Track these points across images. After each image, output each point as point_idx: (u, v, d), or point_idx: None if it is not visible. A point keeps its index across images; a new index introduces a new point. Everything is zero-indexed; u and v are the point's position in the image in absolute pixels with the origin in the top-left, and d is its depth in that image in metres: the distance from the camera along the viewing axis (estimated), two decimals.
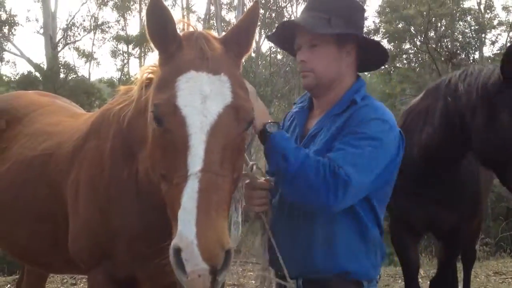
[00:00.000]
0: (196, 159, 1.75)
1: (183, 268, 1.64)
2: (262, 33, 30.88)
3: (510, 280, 7.27)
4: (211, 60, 1.91)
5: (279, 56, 31.63)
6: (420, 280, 7.26)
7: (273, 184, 2.27)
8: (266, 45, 29.16)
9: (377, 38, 30.07)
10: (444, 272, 4.47)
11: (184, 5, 33.10)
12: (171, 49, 1.97)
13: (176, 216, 1.70)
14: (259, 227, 2.36)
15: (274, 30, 2.47)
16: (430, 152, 3.73)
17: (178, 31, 2.07)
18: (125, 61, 32.80)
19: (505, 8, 29.62)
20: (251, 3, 2.10)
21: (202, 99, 1.82)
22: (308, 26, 2.23)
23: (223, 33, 2.17)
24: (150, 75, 2.40)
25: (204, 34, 2.05)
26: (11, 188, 3.03)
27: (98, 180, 2.53)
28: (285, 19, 29.27)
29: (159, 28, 1.96)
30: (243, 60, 2.14)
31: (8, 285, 6.56)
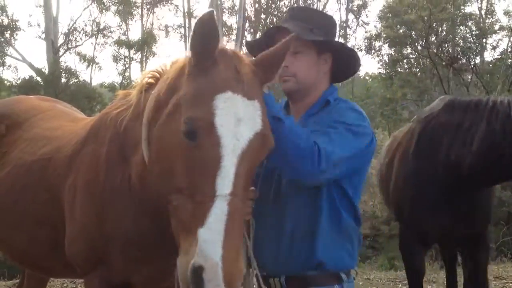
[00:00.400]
0: (226, 182, 1.77)
1: (199, 286, 1.67)
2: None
3: (510, 284, 7.26)
4: (246, 84, 1.93)
5: None
6: None
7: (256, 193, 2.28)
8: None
9: (378, 43, 30.14)
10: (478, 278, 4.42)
11: (186, 10, 33.18)
12: (207, 63, 1.96)
13: (192, 232, 1.73)
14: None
15: (258, 38, 2.57)
16: (460, 173, 3.65)
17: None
18: (127, 65, 32.88)
19: (506, 13, 29.61)
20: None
21: (236, 122, 1.84)
22: (297, 32, 2.29)
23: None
24: (150, 80, 2.42)
25: (237, 54, 2.05)
26: (10, 193, 3.04)
27: (94, 184, 2.54)
28: None
29: (204, 42, 1.95)
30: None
31: None
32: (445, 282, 7.38)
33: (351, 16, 34.44)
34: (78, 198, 2.60)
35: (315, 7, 32.31)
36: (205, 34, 1.93)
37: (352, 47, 3.00)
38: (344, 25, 34.40)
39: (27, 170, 3.00)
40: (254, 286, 2.32)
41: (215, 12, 1.92)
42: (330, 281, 2.30)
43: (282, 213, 2.36)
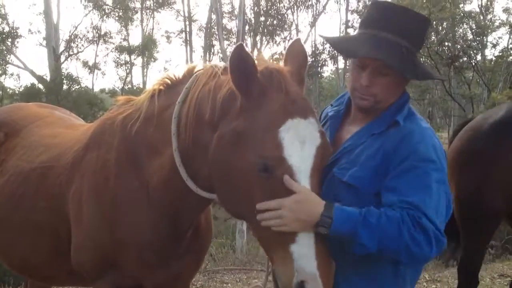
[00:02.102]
0: None
1: None
2: (264, 40, 30.99)
3: None
4: (298, 103, 2.02)
5: (281, 63, 31.75)
6: (425, 284, 7.27)
7: None
8: (268, 52, 29.23)
9: None
10: None
11: (186, 14, 33.26)
12: (254, 94, 2.01)
13: (283, 247, 1.92)
14: None
15: (340, 38, 2.38)
16: None
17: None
18: (128, 70, 32.97)
19: (506, 10, 29.62)
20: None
21: (302, 145, 1.96)
22: (398, 67, 2.04)
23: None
24: (161, 87, 2.45)
25: (281, 72, 2.07)
26: (9, 201, 3.02)
27: (103, 189, 2.52)
28: (286, 26, 29.41)
29: (242, 76, 1.99)
30: None
31: None
32: (449, 281, 7.38)
33: (352, 17, 34.45)
34: (85, 205, 2.58)
35: (314, 8, 32.38)
36: (239, 70, 1.97)
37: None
38: (344, 25, 34.45)
39: (26, 178, 2.99)
40: None
41: (244, 44, 2.05)
42: None
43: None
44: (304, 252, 1.89)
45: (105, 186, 2.51)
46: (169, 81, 2.45)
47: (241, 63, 1.96)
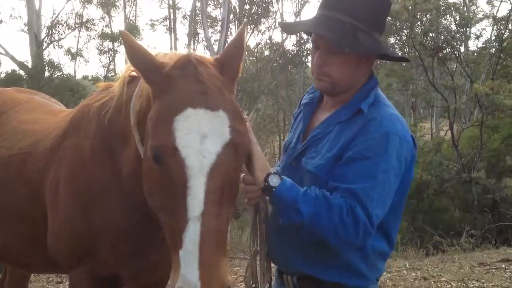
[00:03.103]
0: (196, 202, 1.76)
1: None
2: (248, 29, 30.85)
3: (494, 270, 7.35)
4: (209, 94, 1.87)
5: (266, 52, 31.63)
6: (405, 272, 7.36)
7: None
8: (253, 41, 29.13)
9: None
10: None
11: (170, 2, 32.94)
12: (160, 82, 1.92)
13: (176, 248, 1.77)
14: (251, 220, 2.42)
15: (292, 22, 2.34)
16: None
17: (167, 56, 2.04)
18: (111, 58, 32.61)
19: (489, 2, 29.84)
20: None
21: (201, 139, 1.80)
22: (335, 41, 2.05)
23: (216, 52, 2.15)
24: (133, 73, 2.37)
25: (198, 60, 1.97)
26: None
27: (79, 178, 2.50)
28: (271, 14, 29.30)
29: (141, 64, 1.94)
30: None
31: None
32: (428, 269, 7.48)
33: None
34: (61, 193, 2.56)
35: None
36: (135, 59, 1.93)
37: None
38: None
39: (5, 165, 2.95)
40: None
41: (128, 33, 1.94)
42: None
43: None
44: (188, 259, 1.73)
45: (81, 174, 2.49)
46: None
47: (131, 51, 1.92)
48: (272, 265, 2.42)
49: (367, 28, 2.10)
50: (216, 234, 1.76)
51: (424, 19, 24.81)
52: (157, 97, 1.92)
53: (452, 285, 6.49)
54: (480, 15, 29.75)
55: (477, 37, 29.47)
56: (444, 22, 26.58)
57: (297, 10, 32.89)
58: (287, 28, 2.64)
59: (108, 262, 2.49)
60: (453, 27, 26.33)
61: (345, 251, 2.12)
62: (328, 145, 2.13)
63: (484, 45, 27.85)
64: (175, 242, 1.78)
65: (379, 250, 2.21)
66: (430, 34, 24.28)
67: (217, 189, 1.79)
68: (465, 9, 28.70)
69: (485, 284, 6.45)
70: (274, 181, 2.03)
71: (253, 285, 2.33)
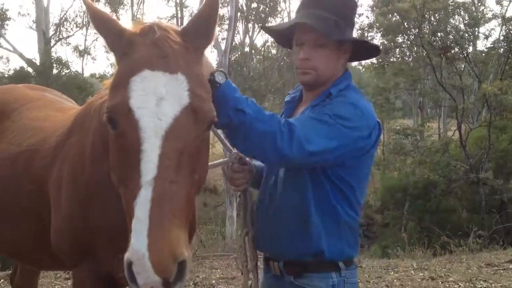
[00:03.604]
0: (149, 166, 1.67)
1: (136, 281, 1.61)
2: (256, 27, 30.83)
3: (501, 271, 7.32)
4: (168, 58, 1.82)
5: (273, 51, 31.62)
6: (412, 272, 7.35)
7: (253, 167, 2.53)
8: (260, 39, 29.10)
9: (371, 33, 30.10)
10: None
11: (178, 1, 32.96)
12: (122, 47, 1.89)
13: (130, 219, 1.65)
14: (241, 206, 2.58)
15: (275, 24, 2.49)
16: None
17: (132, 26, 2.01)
18: None
19: (498, 2, 29.66)
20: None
21: (157, 101, 1.73)
22: (323, 30, 2.24)
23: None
24: None
25: (163, 28, 1.94)
26: None
27: (80, 175, 2.49)
28: (278, 12, 29.29)
29: (104, 29, 1.92)
30: (207, 51, 2.07)
31: (1, 280, 6.56)
32: (436, 270, 7.46)
33: None
34: (64, 190, 2.56)
35: None
36: (98, 24, 1.91)
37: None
38: None
39: (14, 161, 2.96)
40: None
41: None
42: (327, 268, 2.31)
43: (279, 203, 2.40)
44: (137, 228, 1.60)
45: (81, 171, 2.49)
46: None
47: (95, 17, 1.93)
48: (260, 254, 2.57)
49: (344, 23, 2.33)
50: (170, 201, 1.64)
51: (432, 18, 24.70)
52: (118, 62, 1.90)
53: (460, 286, 6.46)
54: (489, 15, 29.57)
55: (486, 37, 29.30)
56: (453, 21, 26.45)
57: None
58: (271, 31, 2.70)
59: (107, 260, 2.46)
60: (462, 27, 26.19)
61: (282, 164, 2.29)
62: None
63: (492, 45, 27.68)
64: (129, 214, 1.68)
65: (343, 214, 2.32)
66: (439, 34, 24.18)
67: (173, 153, 1.70)
68: (474, 8, 28.53)
69: (493, 285, 6.42)
70: (219, 78, 2.07)
71: (246, 264, 2.50)
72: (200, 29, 1.98)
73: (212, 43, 2.04)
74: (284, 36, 2.51)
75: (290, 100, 2.59)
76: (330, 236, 2.31)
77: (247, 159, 2.51)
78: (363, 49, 2.50)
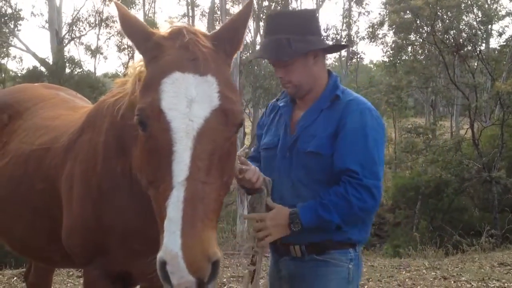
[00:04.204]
0: (181, 167, 1.69)
1: (169, 281, 1.62)
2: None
3: None
4: (198, 60, 1.84)
5: None
6: (424, 271, 7.30)
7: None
8: None
9: (382, 31, 29.96)
10: None
11: (189, 0, 33.04)
12: (151, 50, 1.91)
13: (162, 221, 1.67)
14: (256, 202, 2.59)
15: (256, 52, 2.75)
16: None
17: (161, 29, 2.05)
18: (130, 55, 32.84)
19: None
20: None
21: (188, 103, 1.75)
22: (271, 56, 2.56)
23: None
24: (143, 69, 2.40)
25: (192, 31, 1.96)
26: (9, 183, 3.02)
27: (91, 174, 2.50)
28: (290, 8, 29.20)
29: (133, 32, 1.94)
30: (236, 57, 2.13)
31: (15, 278, 6.63)
32: (448, 269, 7.41)
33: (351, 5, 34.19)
34: (75, 189, 2.57)
35: None
36: (128, 28, 1.93)
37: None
38: (347, 13, 34.22)
39: (25, 160, 2.98)
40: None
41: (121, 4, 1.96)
42: (347, 246, 2.58)
43: (302, 193, 2.55)
44: (170, 228, 1.61)
45: (93, 170, 2.49)
46: None
47: (124, 20, 1.95)
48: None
49: (301, 35, 2.50)
50: (202, 201, 1.66)
51: (445, 16, 24.50)
52: (148, 65, 1.92)
53: (473, 285, 6.42)
54: (503, 12, 29.28)
55: (500, 35, 28.99)
56: (466, 19, 26.20)
57: (316, 7, 32.79)
58: (255, 57, 3.13)
59: (119, 259, 2.49)
60: (475, 24, 25.94)
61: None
62: (322, 127, 2.53)
63: (505, 43, 27.38)
64: (161, 215, 1.69)
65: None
66: (452, 32, 23.97)
67: (204, 155, 1.72)
68: (486, 6, 28.24)
69: (506, 284, 6.38)
70: (294, 219, 2.41)
71: (253, 247, 2.59)
72: (230, 36, 2.02)
73: (240, 50, 2.10)
74: None
75: (285, 104, 2.76)
76: (356, 225, 2.58)
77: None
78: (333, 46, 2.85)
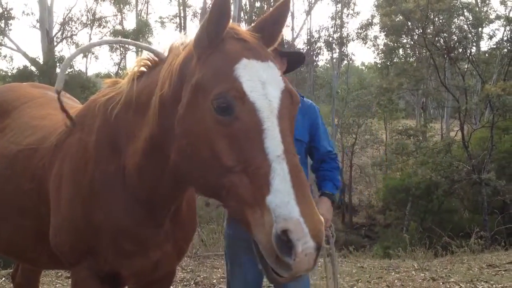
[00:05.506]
0: (276, 142, 1.77)
1: (288, 251, 1.64)
2: None
3: (503, 272, 7.30)
4: (256, 49, 1.95)
5: None
6: (413, 272, 7.33)
7: None
8: None
9: (372, 32, 30.09)
10: None
11: (180, 0, 33.01)
12: (217, 42, 1.95)
13: (259, 204, 1.69)
14: None
15: None
16: None
17: None
18: (122, 55, 32.76)
19: (502, 2, 29.59)
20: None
21: (262, 85, 1.85)
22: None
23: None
24: (143, 68, 2.37)
25: (236, 28, 2.03)
26: None
27: (81, 173, 2.48)
28: None
29: (219, 23, 1.94)
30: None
31: (3, 278, 6.58)
32: (437, 270, 7.45)
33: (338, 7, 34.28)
34: (64, 188, 2.54)
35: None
36: (221, 15, 1.93)
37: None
38: (335, 15, 34.32)
39: (13, 160, 2.95)
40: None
41: None
42: None
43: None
44: (282, 199, 1.66)
45: (84, 169, 2.48)
46: (149, 62, 2.38)
47: (222, 8, 1.93)
48: None
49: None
50: (301, 172, 1.76)
51: (436, 19, 24.65)
52: (205, 59, 1.94)
53: (461, 286, 6.45)
54: (493, 16, 29.50)
55: (490, 38, 29.18)
56: (457, 21, 26.37)
57: (308, 9, 32.88)
58: None
59: (108, 259, 2.47)
60: (465, 27, 26.12)
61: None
62: (300, 121, 2.74)
63: (496, 46, 27.60)
64: (254, 196, 1.72)
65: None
66: (443, 34, 24.12)
67: (287, 131, 1.83)
68: (477, 9, 28.44)
69: (494, 286, 6.41)
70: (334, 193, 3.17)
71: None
72: (268, 30, 2.08)
73: (275, 44, 2.14)
74: None
75: None
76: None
77: None
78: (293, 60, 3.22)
